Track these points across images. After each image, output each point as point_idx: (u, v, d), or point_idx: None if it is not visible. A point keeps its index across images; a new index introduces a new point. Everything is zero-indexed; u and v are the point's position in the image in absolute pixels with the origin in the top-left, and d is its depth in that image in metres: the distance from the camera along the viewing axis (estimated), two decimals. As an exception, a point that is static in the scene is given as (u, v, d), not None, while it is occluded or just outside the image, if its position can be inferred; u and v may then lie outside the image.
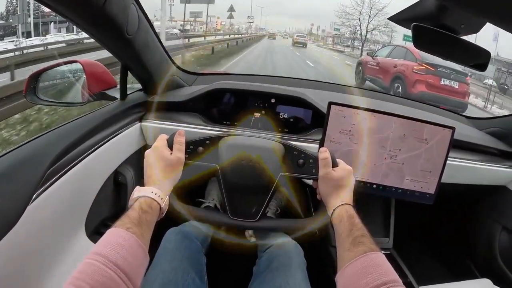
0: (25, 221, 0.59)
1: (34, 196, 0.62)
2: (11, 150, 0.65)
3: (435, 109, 1.40)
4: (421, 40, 0.77)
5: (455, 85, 6.62)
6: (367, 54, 10.05)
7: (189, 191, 0.98)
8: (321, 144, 0.90)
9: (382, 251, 1.07)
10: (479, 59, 0.83)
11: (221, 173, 0.73)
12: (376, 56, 8.58)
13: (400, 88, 6.91)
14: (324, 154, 0.71)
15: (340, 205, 0.66)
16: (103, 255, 0.48)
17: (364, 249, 0.56)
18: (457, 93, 6.64)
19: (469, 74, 7.23)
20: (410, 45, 7.39)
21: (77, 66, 1.03)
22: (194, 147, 0.73)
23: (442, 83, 6.55)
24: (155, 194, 0.62)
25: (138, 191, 0.62)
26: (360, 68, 9.24)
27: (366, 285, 0.50)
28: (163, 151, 0.68)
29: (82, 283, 0.44)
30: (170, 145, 0.70)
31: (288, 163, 0.73)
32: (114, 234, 0.53)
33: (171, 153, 0.68)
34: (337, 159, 0.72)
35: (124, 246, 0.51)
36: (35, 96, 0.99)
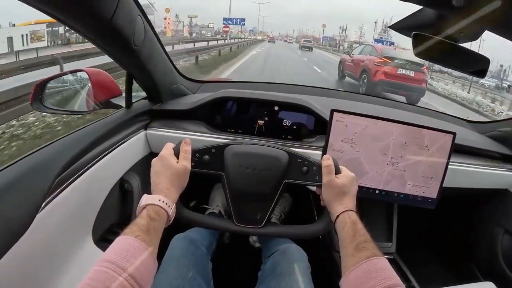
0: (35, 229, 0.60)
1: (43, 204, 0.63)
2: (20, 160, 0.66)
3: (437, 114, 1.41)
4: (421, 48, 0.79)
5: (411, 73, 7.96)
6: (344, 53, 11.96)
7: (194, 197, 1.00)
8: (324, 153, 0.91)
9: (385, 256, 1.09)
10: (478, 65, 0.84)
11: (227, 181, 0.74)
12: (352, 54, 10.10)
13: (366, 79, 8.33)
14: (327, 161, 0.72)
15: (343, 211, 0.67)
16: (113, 262, 0.49)
17: (367, 254, 0.57)
18: (413, 80, 7.99)
19: (425, 64, 8.69)
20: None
21: (83, 75, 1.05)
22: (200, 155, 0.74)
23: (398, 72, 7.91)
24: (163, 202, 0.63)
25: (145, 199, 0.63)
26: (341, 66, 10.85)
27: None
28: (170, 160, 0.69)
29: None
30: (177, 153, 0.71)
31: (292, 171, 0.75)
32: (124, 242, 0.53)
33: (178, 162, 0.70)
34: (340, 166, 0.74)
35: (133, 253, 0.52)
36: (42, 104, 1.00)
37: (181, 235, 0.92)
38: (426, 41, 0.77)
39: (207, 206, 1.20)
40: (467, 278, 1.27)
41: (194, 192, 1.17)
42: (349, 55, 10.20)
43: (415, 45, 0.78)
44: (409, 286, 0.99)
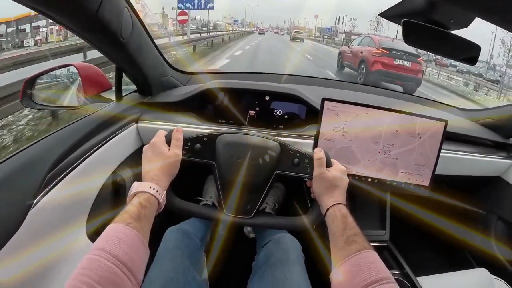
0: (28, 226, 0.60)
1: (35, 201, 0.63)
2: (10, 157, 0.66)
3: (429, 102, 1.41)
4: (411, 36, 0.78)
5: (408, 64, 8.35)
6: (343, 44, 12.57)
7: (188, 189, 0.99)
8: (315, 142, 0.91)
9: (379, 244, 1.09)
10: (469, 53, 0.84)
11: (218, 170, 0.74)
12: (352, 45, 10.58)
13: (364, 69, 8.74)
14: (319, 154, 0.72)
15: (333, 204, 0.67)
16: (105, 250, 0.49)
17: (357, 247, 0.57)
18: (410, 71, 8.38)
19: (421, 55, 9.03)
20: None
21: (72, 69, 1.04)
22: (191, 144, 0.74)
23: (395, 62, 8.31)
24: (153, 189, 0.63)
25: (136, 187, 0.63)
26: (340, 57, 11.24)
27: (359, 283, 0.52)
28: (161, 147, 0.69)
29: (86, 279, 0.45)
30: (168, 141, 0.72)
31: (283, 162, 0.75)
32: (115, 230, 0.54)
33: (169, 149, 0.70)
34: (331, 159, 0.74)
35: (125, 241, 0.52)
36: (31, 101, 0.99)
37: (175, 227, 0.92)
38: (416, 29, 0.77)
39: (201, 198, 1.20)
40: (461, 265, 1.29)
41: (189, 184, 1.17)
42: (348, 46, 10.71)
43: (405, 33, 0.77)
44: (403, 274, 0.99)
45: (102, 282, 0.46)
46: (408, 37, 0.78)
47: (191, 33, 18.31)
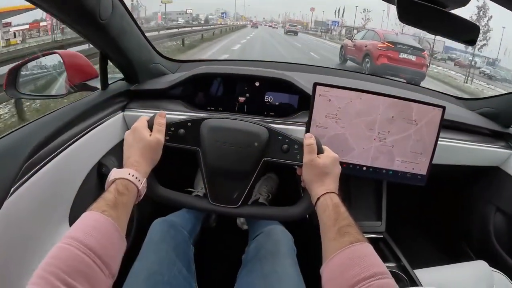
0: (4, 216, 0.57)
1: (11, 190, 0.60)
2: None
3: (425, 91, 1.38)
4: (406, 14, 0.74)
5: (413, 58, 8.50)
6: (346, 38, 12.87)
7: (181, 181, 0.97)
8: (307, 129, 0.87)
9: (375, 235, 1.06)
10: (468, 34, 0.80)
11: (202, 157, 0.71)
12: (354, 39, 10.66)
13: (369, 62, 8.84)
14: (309, 140, 0.69)
15: (324, 193, 0.63)
16: (76, 239, 0.46)
17: (350, 239, 0.53)
18: (414, 64, 8.55)
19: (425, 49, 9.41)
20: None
21: (57, 57, 1.01)
22: (175, 129, 0.71)
23: (400, 56, 8.46)
24: (132, 175, 0.60)
25: (115, 173, 0.60)
26: (342, 50, 11.37)
27: (353, 277, 0.48)
28: (142, 132, 0.67)
29: (54, 269, 0.42)
30: (151, 126, 0.69)
31: (272, 148, 0.71)
32: (89, 218, 0.51)
33: (151, 134, 0.67)
34: (323, 146, 0.70)
35: (98, 229, 0.49)
36: (16, 90, 0.97)
37: (161, 219, 0.89)
38: (411, 7, 0.73)
39: (192, 190, 1.17)
40: (459, 257, 1.26)
41: (182, 175, 1.14)
42: (351, 40, 10.85)
43: (400, 11, 0.73)
44: (400, 266, 0.97)
45: (71, 272, 0.42)
46: (403, 16, 0.74)
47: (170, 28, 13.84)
